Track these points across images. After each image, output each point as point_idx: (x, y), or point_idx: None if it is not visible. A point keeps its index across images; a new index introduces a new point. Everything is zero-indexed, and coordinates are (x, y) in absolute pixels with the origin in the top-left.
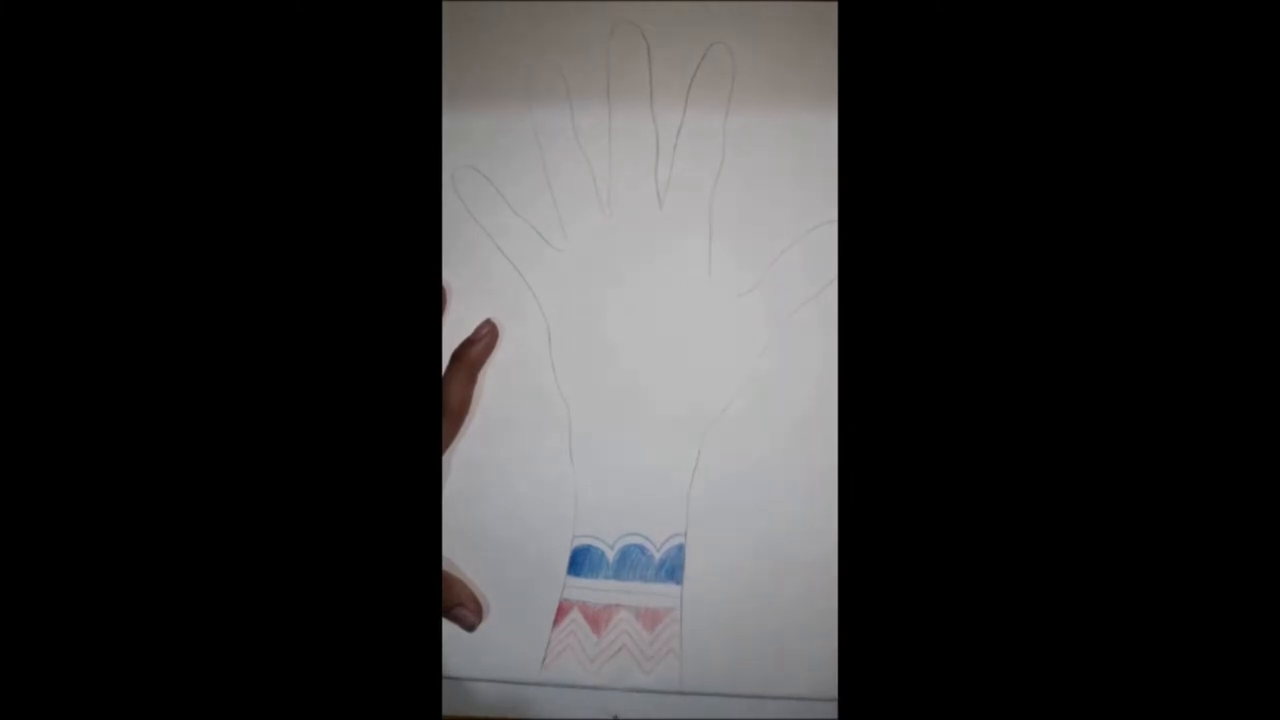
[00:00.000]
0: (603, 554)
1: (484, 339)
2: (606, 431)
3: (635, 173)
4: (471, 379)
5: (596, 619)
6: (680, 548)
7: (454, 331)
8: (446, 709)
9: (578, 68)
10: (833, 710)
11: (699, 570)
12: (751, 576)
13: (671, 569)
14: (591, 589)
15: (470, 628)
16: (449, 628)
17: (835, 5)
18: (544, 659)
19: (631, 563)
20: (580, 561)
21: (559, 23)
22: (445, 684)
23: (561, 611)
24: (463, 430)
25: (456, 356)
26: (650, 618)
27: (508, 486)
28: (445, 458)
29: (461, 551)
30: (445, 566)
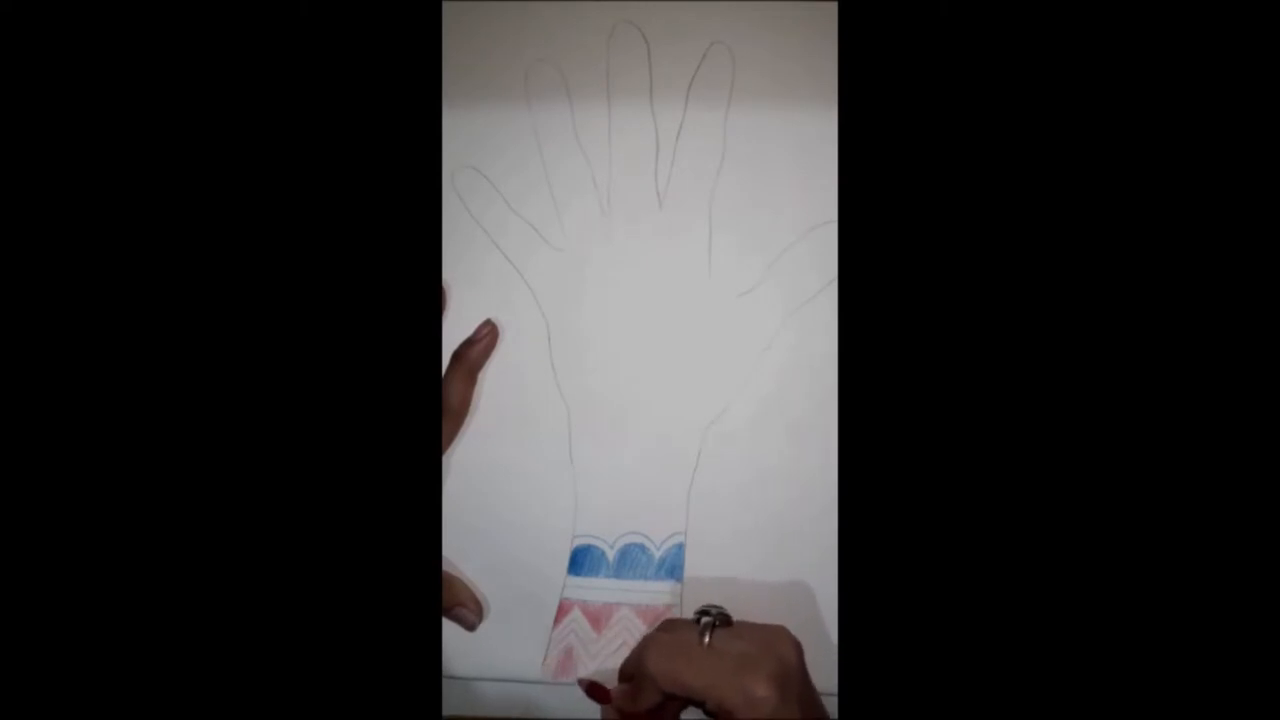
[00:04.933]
0: (603, 553)
1: (484, 339)
2: (606, 431)
3: (635, 172)
4: (471, 379)
5: (597, 617)
6: (680, 546)
7: (454, 331)
8: (448, 708)
9: (578, 67)
10: (833, 706)
11: (699, 569)
12: (752, 575)
13: (672, 568)
14: (592, 588)
15: (470, 627)
16: (449, 627)
17: (835, 5)
18: (544, 657)
19: (632, 562)
20: (580, 561)
21: (559, 23)
22: (446, 684)
23: (562, 610)
24: (462, 430)
25: (456, 356)
26: (651, 616)
27: (507, 486)
28: (445, 458)
29: (461, 551)
30: (445, 566)
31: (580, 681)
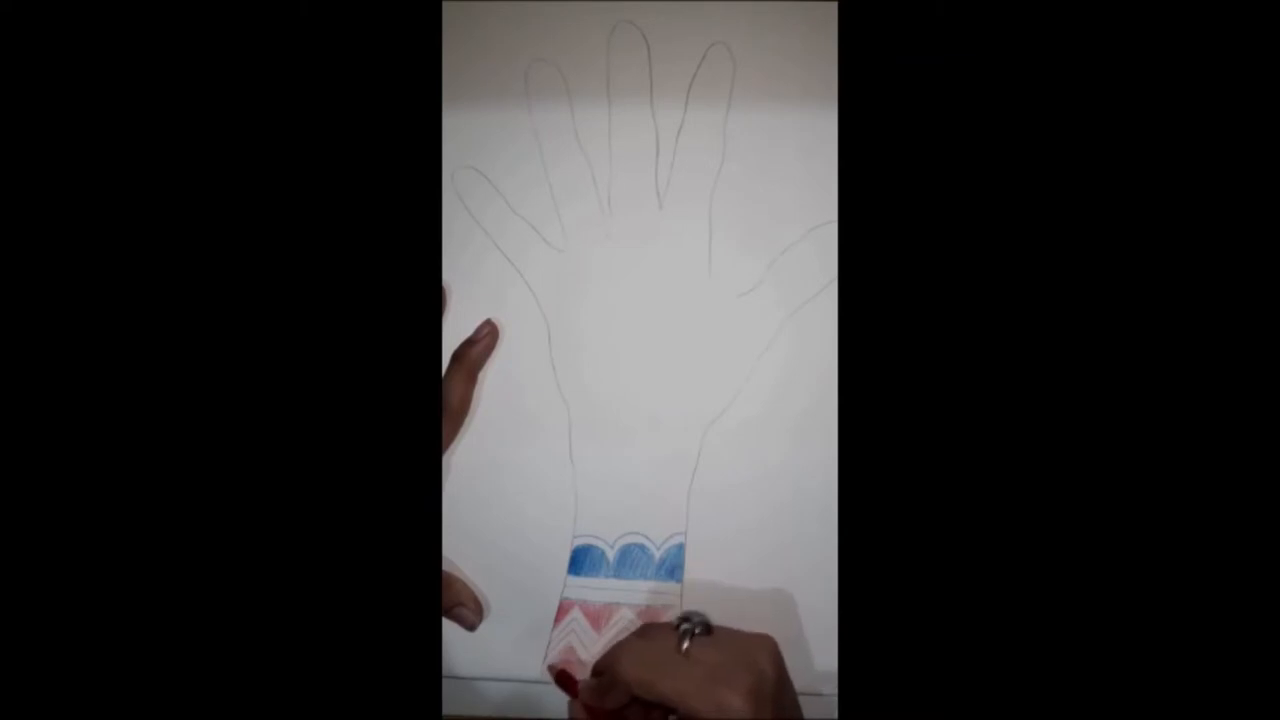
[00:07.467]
0: (603, 553)
1: (484, 339)
2: (607, 431)
3: (635, 172)
4: (471, 379)
5: (597, 617)
6: (680, 547)
7: (454, 331)
8: (448, 708)
9: (578, 67)
10: (833, 706)
11: (699, 569)
12: (751, 575)
13: (672, 568)
14: (592, 588)
15: (470, 627)
16: (449, 627)
17: (835, 5)
18: (544, 657)
19: (632, 561)
20: (580, 561)
21: (559, 22)
22: (446, 683)
23: (562, 610)
24: (463, 430)
25: (457, 356)
26: (651, 616)
27: (508, 486)
28: (445, 458)
29: (461, 551)
30: (445, 566)
31: (550, 668)
